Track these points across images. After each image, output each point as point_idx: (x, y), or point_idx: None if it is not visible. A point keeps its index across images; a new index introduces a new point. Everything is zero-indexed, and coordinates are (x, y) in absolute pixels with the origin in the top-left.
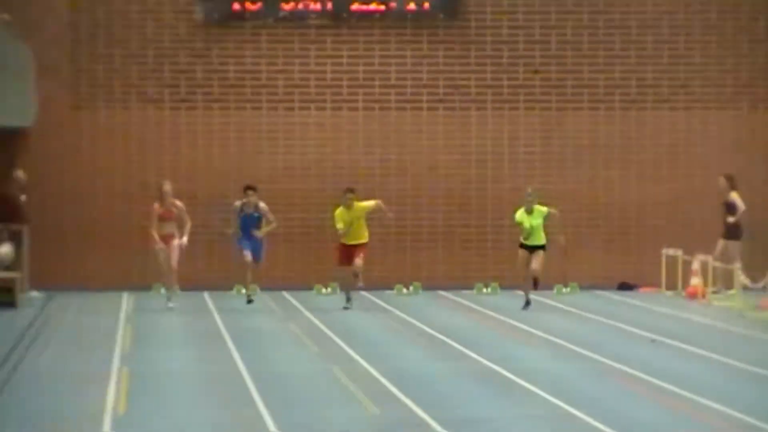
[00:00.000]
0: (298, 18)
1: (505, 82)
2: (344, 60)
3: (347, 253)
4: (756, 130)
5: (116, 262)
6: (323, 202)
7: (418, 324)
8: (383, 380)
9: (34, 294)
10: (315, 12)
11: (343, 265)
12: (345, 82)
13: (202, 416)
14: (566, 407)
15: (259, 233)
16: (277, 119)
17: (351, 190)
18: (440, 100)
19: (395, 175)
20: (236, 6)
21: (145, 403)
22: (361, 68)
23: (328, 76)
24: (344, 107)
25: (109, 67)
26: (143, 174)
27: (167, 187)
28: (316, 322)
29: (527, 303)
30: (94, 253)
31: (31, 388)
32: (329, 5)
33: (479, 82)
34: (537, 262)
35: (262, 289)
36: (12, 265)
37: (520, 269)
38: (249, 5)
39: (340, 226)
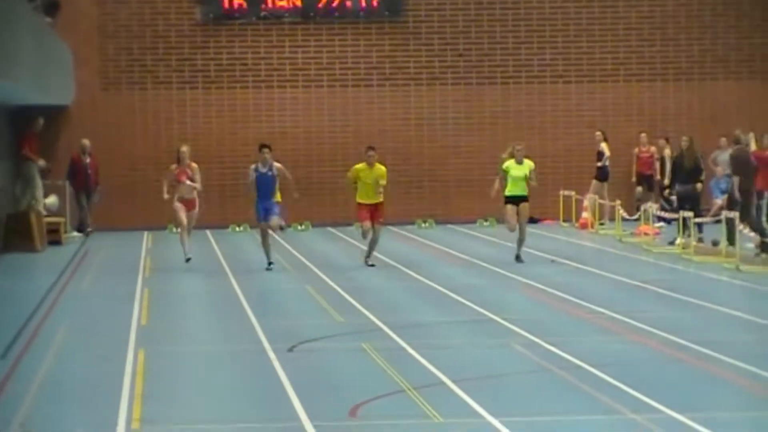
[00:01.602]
0: (275, 16)
1: (437, 64)
2: (312, 49)
3: (367, 211)
4: (630, 97)
5: (138, 208)
6: (297, 158)
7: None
8: (346, 295)
9: (75, 234)
10: (288, 11)
11: (364, 221)
12: (313, 66)
13: (206, 326)
14: (486, 313)
15: (276, 211)
16: (260, 96)
17: (372, 148)
18: (387, 79)
19: (353, 137)
20: (227, 8)
21: (162, 316)
22: (324, 55)
23: (300, 61)
24: (312, 85)
25: (129, 57)
26: (157, 140)
27: (184, 148)
28: (294, 252)
29: (518, 257)
30: (120, 201)
31: (75, 305)
32: (299, 5)
33: (416, 64)
34: (523, 217)
35: (252, 227)
36: (57, 211)
37: (510, 222)
38: (237, 7)
39: (349, 175)
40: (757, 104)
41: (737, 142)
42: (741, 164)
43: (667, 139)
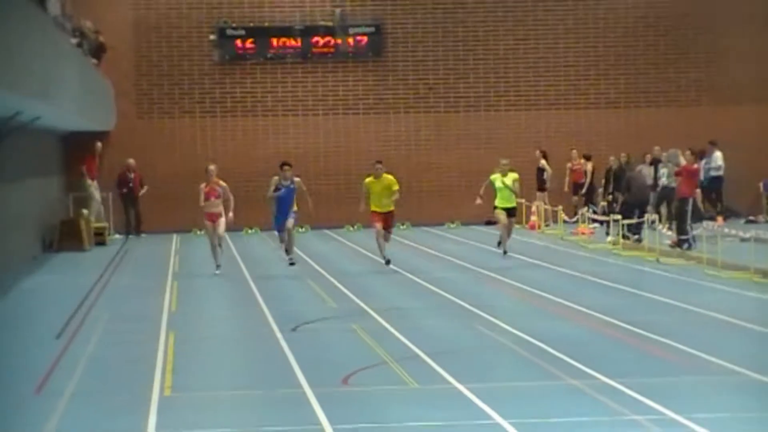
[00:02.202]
0: (279, 57)
1: (411, 95)
2: (309, 83)
3: (379, 217)
4: (569, 122)
5: (168, 215)
6: (298, 174)
7: (360, 249)
8: (338, 285)
9: (117, 236)
10: (290, 53)
11: (377, 222)
12: (310, 98)
13: (224, 312)
14: (457, 300)
15: (293, 216)
16: (267, 122)
17: (380, 162)
18: (370, 108)
19: (344, 156)
20: (239, 50)
21: (188, 304)
22: (320, 88)
23: (300, 94)
24: (310, 114)
25: (161, 91)
26: (183, 159)
27: (212, 167)
28: (296, 249)
29: (505, 252)
30: (153, 210)
31: (116, 296)
32: (299, 48)
33: (395, 96)
34: (509, 228)
35: (262, 229)
36: (103, 218)
37: (501, 223)
38: (248, 49)
39: (363, 188)
40: (673, 127)
41: (631, 167)
42: (634, 184)
43: (588, 157)
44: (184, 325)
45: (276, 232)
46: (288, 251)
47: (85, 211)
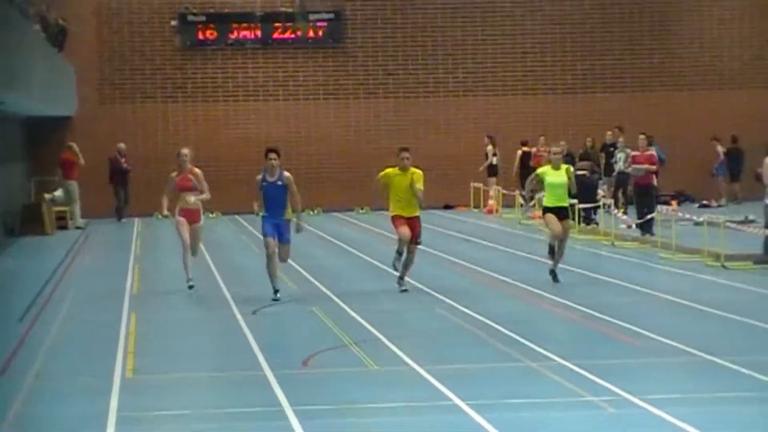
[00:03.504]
0: (240, 43)
1: (371, 81)
2: (270, 69)
3: (404, 222)
4: (527, 108)
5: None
6: (259, 159)
7: (320, 233)
8: (300, 269)
9: (79, 221)
10: (250, 39)
11: (402, 228)
12: (271, 84)
13: (185, 294)
14: (416, 283)
15: (288, 216)
16: (228, 108)
17: (406, 149)
18: (330, 94)
19: (304, 142)
20: (200, 37)
21: (149, 285)
22: (280, 74)
23: (261, 80)
24: (270, 99)
25: (122, 76)
26: (145, 144)
27: (185, 150)
28: (258, 234)
29: (554, 274)
30: (114, 194)
31: (79, 277)
32: (259, 34)
33: (355, 82)
34: (565, 234)
35: (224, 213)
36: (64, 203)
37: (554, 232)
38: (209, 36)
39: (380, 177)
40: (627, 113)
41: (595, 152)
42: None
43: (524, 143)
44: (146, 307)
45: (265, 236)
46: (272, 279)
47: (47, 196)
